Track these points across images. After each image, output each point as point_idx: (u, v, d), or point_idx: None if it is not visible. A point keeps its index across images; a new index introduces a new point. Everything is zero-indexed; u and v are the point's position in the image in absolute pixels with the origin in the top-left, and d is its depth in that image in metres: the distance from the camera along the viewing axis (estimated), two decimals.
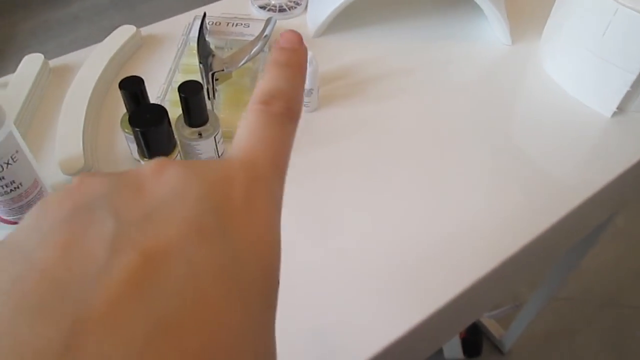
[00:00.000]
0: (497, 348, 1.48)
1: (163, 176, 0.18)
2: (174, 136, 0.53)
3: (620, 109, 0.66)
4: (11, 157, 0.47)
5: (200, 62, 0.63)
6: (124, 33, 0.71)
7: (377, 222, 0.55)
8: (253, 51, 0.66)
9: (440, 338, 0.73)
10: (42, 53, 0.68)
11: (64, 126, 0.59)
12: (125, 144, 0.60)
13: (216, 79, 0.61)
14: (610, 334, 1.53)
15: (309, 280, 0.50)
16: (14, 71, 0.66)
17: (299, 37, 0.25)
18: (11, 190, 0.48)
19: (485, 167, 0.60)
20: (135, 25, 0.72)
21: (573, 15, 0.66)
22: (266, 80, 0.23)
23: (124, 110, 0.56)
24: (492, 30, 0.77)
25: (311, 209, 0.56)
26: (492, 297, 0.78)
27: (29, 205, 0.51)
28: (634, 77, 0.62)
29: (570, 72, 0.69)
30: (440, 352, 1.40)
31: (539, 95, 0.69)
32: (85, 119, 0.60)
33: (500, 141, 0.63)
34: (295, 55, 0.24)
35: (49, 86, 0.67)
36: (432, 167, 0.60)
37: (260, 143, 0.21)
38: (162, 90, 0.64)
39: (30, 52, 0.68)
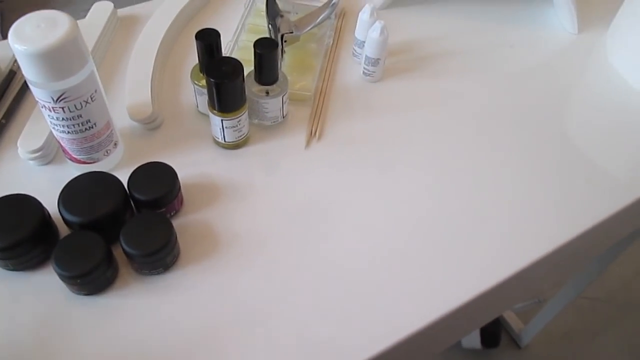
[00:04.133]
0: (514, 342, 1.48)
1: None
2: (245, 92, 0.53)
3: None
4: (90, 96, 0.47)
5: (269, 23, 0.63)
6: None
7: (420, 201, 0.55)
8: (320, 17, 0.66)
9: (462, 330, 0.73)
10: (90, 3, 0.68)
11: (134, 73, 0.60)
12: (189, 97, 0.61)
13: (285, 41, 0.62)
14: (629, 339, 1.52)
15: (345, 238, 0.51)
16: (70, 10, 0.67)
17: None
18: (86, 129, 0.49)
19: (534, 156, 0.60)
20: None
21: None
22: None
23: (190, 63, 0.57)
24: (557, 17, 0.76)
25: (364, 173, 0.56)
26: (518, 294, 0.78)
27: (99, 145, 0.52)
28: None
29: (638, 67, 0.67)
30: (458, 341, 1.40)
31: (602, 88, 0.69)
32: (154, 68, 0.60)
33: (554, 132, 0.63)
34: None
35: (117, 35, 0.68)
36: (479, 151, 0.59)
37: None
38: (228, 48, 0.64)
39: (74, 5, 0.68)
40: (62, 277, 0.44)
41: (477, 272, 0.49)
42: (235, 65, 0.50)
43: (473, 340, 1.41)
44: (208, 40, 0.53)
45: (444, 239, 0.52)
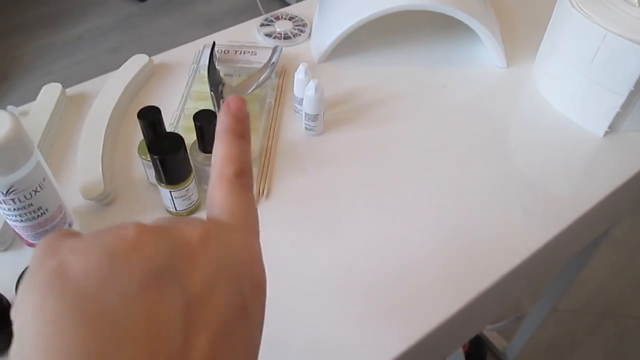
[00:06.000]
0: None
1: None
2: (189, 162, 0.56)
3: (612, 129, 0.69)
4: (39, 184, 0.50)
5: (211, 91, 0.66)
6: (137, 62, 0.74)
7: (378, 239, 0.58)
8: (261, 78, 0.69)
9: (442, 351, 0.76)
10: (48, 74, 0.71)
11: (84, 153, 0.62)
12: (141, 169, 0.63)
13: None
14: (613, 345, 1.55)
15: (306, 295, 0.53)
16: (20, 92, 0.70)
17: (244, 105, 0.30)
18: (38, 215, 0.51)
19: (483, 185, 0.63)
20: (138, 45, 0.75)
21: (564, 40, 0.69)
22: (229, 147, 0.29)
23: (140, 136, 0.60)
24: (487, 54, 0.80)
25: (316, 226, 0.59)
26: (492, 310, 0.81)
27: (53, 229, 0.54)
28: (623, 99, 0.65)
29: (563, 94, 0.72)
30: None
31: (534, 116, 0.73)
32: (104, 146, 0.63)
33: (497, 160, 0.66)
34: (245, 125, 0.30)
35: (67, 114, 0.71)
36: (431, 187, 0.63)
37: (246, 211, 0.27)
38: (175, 117, 0.67)
39: (35, 74, 0.71)
40: None
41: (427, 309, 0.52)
42: (176, 140, 0.53)
43: None
44: (149, 117, 0.55)
45: (401, 272, 0.54)
